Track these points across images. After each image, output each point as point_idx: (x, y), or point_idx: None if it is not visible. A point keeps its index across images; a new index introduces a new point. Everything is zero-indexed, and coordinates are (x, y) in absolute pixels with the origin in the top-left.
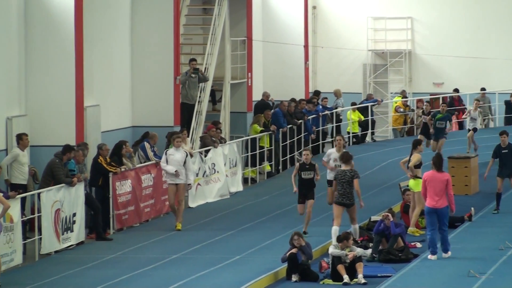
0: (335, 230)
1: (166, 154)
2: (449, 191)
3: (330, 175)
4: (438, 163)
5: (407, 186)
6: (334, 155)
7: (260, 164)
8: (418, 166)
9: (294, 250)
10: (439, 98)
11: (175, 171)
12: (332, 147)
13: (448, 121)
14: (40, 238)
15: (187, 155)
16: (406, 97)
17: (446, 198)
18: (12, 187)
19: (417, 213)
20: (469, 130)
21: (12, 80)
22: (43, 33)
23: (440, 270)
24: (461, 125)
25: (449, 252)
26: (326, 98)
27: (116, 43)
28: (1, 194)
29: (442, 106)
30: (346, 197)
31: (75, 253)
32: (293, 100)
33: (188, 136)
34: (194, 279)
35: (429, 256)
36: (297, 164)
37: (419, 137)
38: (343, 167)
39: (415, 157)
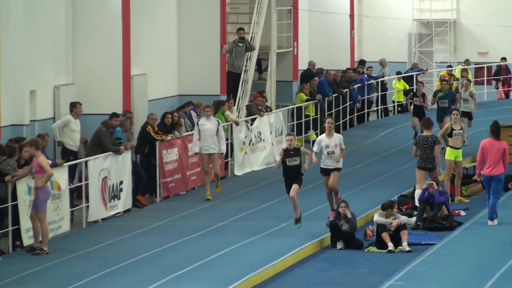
0: (417, 193)
1: (198, 124)
2: (505, 159)
3: (324, 163)
4: (496, 131)
5: None
6: (324, 141)
7: (305, 133)
8: (449, 135)
9: (331, 217)
10: (483, 67)
11: (194, 154)
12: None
13: (451, 99)
14: (88, 206)
15: (219, 124)
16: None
17: (502, 165)
18: (63, 153)
19: (455, 183)
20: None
21: (60, 49)
22: (90, 1)
23: (484, 238)
24: (507, 94)
25: (495, 221)
26: (371, 67)
27: (163, 12)
28: (49, 161)
29: (443, 83)
30: (429, 162)
31: (122, 221)
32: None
33: (234, 105)
34: (240, 247)
35: (489, 222)
36: (280, 150)
37: (412, 119)
38: (425, 132)
39: (444, 127)
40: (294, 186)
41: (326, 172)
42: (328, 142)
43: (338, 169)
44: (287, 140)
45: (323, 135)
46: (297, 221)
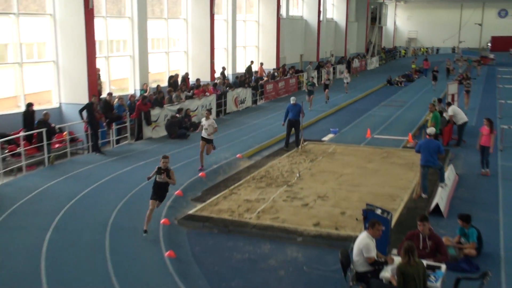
0: None
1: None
2: None
3: (203, 134)
4: None
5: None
6: (202, 122)
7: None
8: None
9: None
10: None
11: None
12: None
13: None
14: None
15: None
16: None
17: None
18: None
19: None
20: None
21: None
22: None
23: None
24: None
25: None
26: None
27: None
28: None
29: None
30: None
31: None
32: None
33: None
34: None
35: None
36: (155, 168)
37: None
38: None
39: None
40: (156, 202)
41: (204, 139)
42: (204, 122)
43: (211, 141)
44: (163, 162)
45: (203, 118)
46: (145, 231)
